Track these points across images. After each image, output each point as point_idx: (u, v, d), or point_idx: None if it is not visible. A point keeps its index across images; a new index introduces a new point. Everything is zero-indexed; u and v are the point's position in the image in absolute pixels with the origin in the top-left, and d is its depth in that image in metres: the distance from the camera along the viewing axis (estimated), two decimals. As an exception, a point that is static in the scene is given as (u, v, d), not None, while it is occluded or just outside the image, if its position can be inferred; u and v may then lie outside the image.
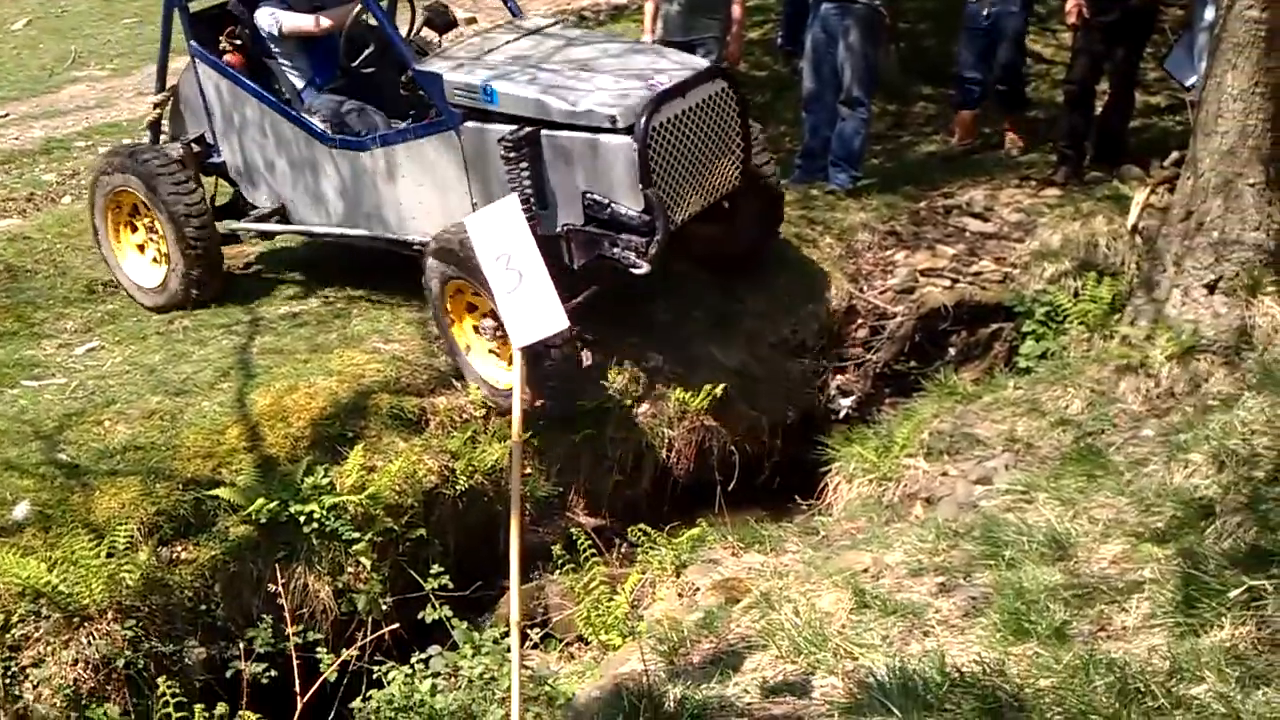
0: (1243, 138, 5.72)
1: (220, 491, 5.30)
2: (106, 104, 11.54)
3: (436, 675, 4.67)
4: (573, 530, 5.08)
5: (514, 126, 5.85)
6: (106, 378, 6.22)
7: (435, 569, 5.24)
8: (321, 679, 3.62)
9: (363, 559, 5.37)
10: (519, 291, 3.12)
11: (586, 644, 4.87)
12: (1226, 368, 5.56)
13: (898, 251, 7.65)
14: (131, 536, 5.01)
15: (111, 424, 5.73)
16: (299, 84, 6.92)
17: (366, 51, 6.78)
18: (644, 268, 5.82)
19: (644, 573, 5.08)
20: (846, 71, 7.82)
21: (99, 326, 6.95)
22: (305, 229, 7.10)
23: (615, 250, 5.86)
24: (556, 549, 4.84)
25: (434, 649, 4.87)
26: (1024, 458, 5.43)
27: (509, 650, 4.49)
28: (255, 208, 7.21)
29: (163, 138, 7.58)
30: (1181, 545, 3.97)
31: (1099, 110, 8.05)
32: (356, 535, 5.35)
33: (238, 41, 7.01)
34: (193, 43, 7.00)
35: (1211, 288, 5.74)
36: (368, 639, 4.95)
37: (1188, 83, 7.08)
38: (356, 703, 4.50)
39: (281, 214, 7.11)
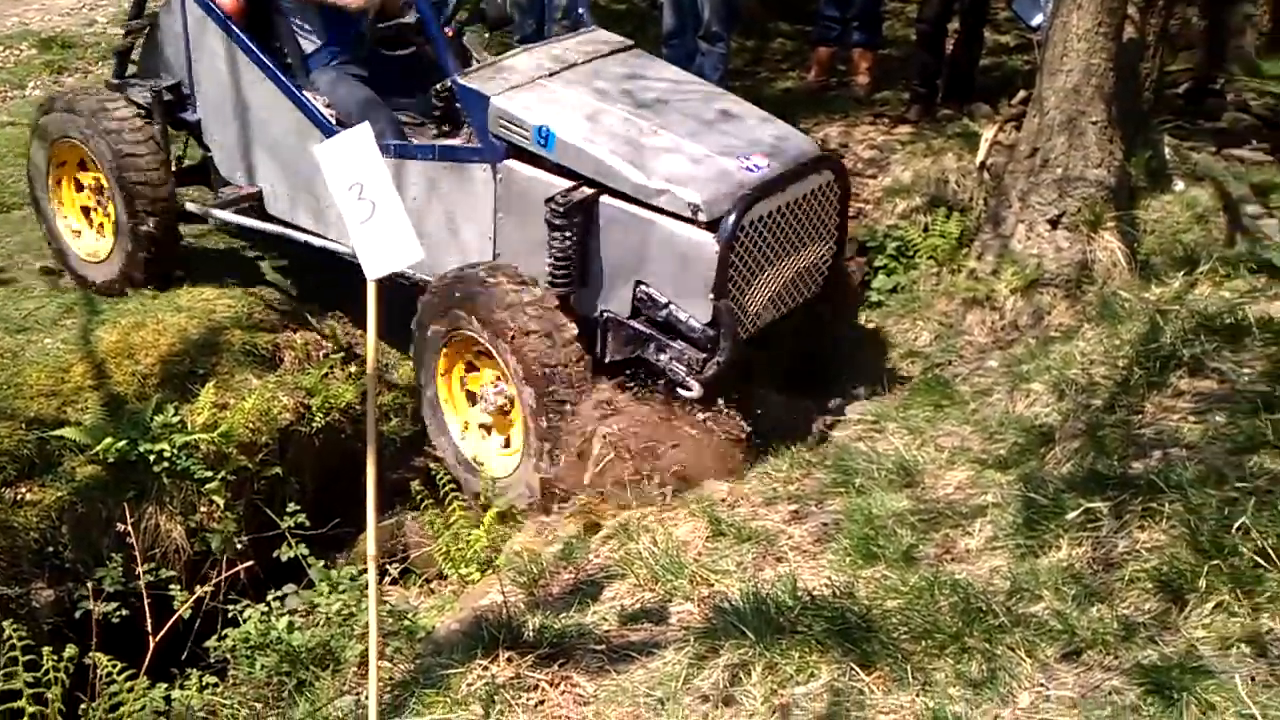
0: (1086, 77, 5.89)
1: (66, 431, 5.14)
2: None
3: (293, 613, 4.63)
4: (432, 466, 5.06)
5: (569, 185, 4.91)
6: (-59, 315, 5.98)
7: (291, 507, 5.17)
8: (175, 617, 3.56)
9: (216, 498, 5.28)
10: (372, 222, 3.07)
11: (445, 579, 4.87)
12: (1068, 300, 5.75)
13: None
14: (-29, 478, 4.85)
15: (-52, 363, 5.52)
16: (307, 48, 5.80)
17: (396, 23, 5.70)
18: (694, 390, 4.78)
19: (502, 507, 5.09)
20: (706, 7, 7.82)
21: (-68, 260, 6.67)
22: (284, 231, 5.96)
23: (662, 358, 4.87)
24: (416, 485, 4.82)
25: (290, 587, 4.83)
26: (875, 388, 5.57)
27: (367, 587, 4.48)
28: (228, 184, 6.14)
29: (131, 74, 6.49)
30: (1022, 471, 4.12)
31: (950, 49, 8.19)
32: (209, 474, 5.25)
33: None
34: None
35: (1055, 223, 5.92)
36: (222, 578, 4.88)
37: (1034, 23, 7.23)
38: (212, 642, 4.44)
39: (257, 202, 6.03)
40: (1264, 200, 6.68)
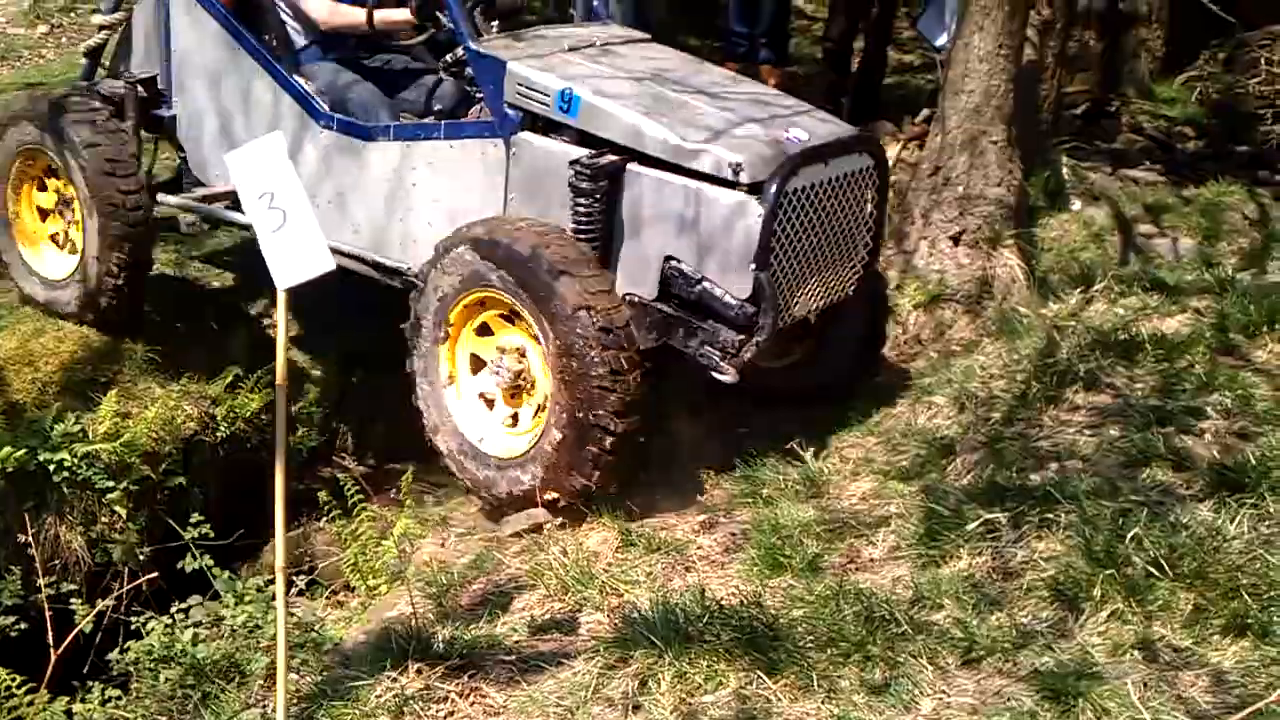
0: (987, 97, 6.03)
1: (-38, 440, 5.03)
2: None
3: (198, 625, 4.56)
4: (340, 476, 5.03)
5: (592, 151, 4.47)
6: None
7: (195, 518, 5.11)
8: (76, 630, 3.51)
9: (118, 508, 5.19)
10: (283, 231, 3.06)
11: (353, 590, 4.84)
12: (968, 316, 5.87)
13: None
14: None
15: None
16: (300, 41, 5.35)
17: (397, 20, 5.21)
18: (730, 375, 4.32)
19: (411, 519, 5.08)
20: (616, 21, 7.85)
21: None
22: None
23: (692, 344, 4.40)
24: (323, 495, 4.79)
25: (195, 598, 4.76)
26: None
27: (274, 598, 4.43)
28: (201, 185, 5.63)
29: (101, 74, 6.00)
30: (925, 482, 4.23)
31: (855, 67, 8.33)
32: (111, 484, 5.16)
33: None
34: None
35: (956, 240, 6.05)
36: (124, 589, 4.80)
37: (938, 42, 7.39)
38: (114, 654, 4.37)
39: (237, 201, 5.06)
40: (1156, 220, 6.89)
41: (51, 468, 5.06)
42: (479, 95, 4.91)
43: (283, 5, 5.34)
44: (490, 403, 4.66)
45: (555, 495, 4.37)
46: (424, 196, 4.90)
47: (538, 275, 4.25)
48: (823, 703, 3.14)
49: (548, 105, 4.56)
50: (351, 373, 6.16)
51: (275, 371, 3.19)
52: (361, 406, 6.20)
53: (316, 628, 4.17)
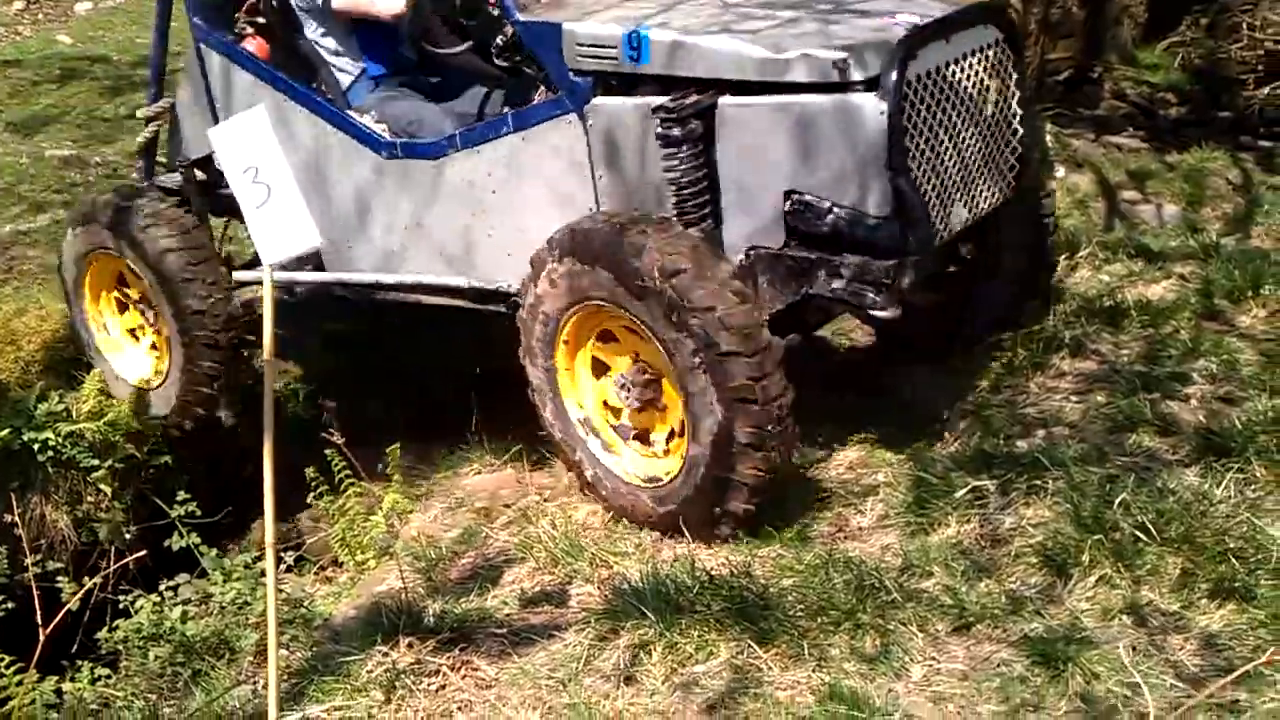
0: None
1: (-54, 420, 5.01)
2: None
3: (187, 602, 4.57)
4: (328, 452, 5.01)
5: (676, 94, 3.87)
6: None
7: (181, 495, 5.10)
8: (65, 609, 3.49)
9: (103, 487, 5.19)
10: (268, 206, 3.04)
11: (341, 566, 4.83)
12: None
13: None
14: None
15: None
16: (345, 81, 4.94)
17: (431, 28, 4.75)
18: (890, 310, 3.71)
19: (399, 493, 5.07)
20: None
21: None
22: (351, 278, 4.88)
23: (838, 286, 3.76)
24: (311, 471, 4.77)
25: (183, 576, 4.76)
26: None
27: (262, 575, 4.43)
28: None
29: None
30: (912, 450, 4.22)
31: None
32: (96, 463, 5.16)
33: (260, 20, 5.02)
34: (196, 20, 5.05)
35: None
36: (111, 568, 4.80)
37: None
38: (103, 633, 4.37)
39: (316, 262, 4.94)
40: (1140, 186, 6.88)
41: (36, 447, 5.06)
42: (540, 79, 4.36)
43: (320, 44, 4.93)
44: (623, 427, 4.12)
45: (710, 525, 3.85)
46: (508, 201, 4.37)
47: (645, 278, 3.68)
48: (814, 671, 3.15)
49: (615, 57, 3.99)
50: (339, 349, 6.12)
51: (264, 348, 3.17)
52: (348, 383, 6.17)
53: (306, 604, 4.17)
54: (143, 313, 5.36)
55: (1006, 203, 4.22)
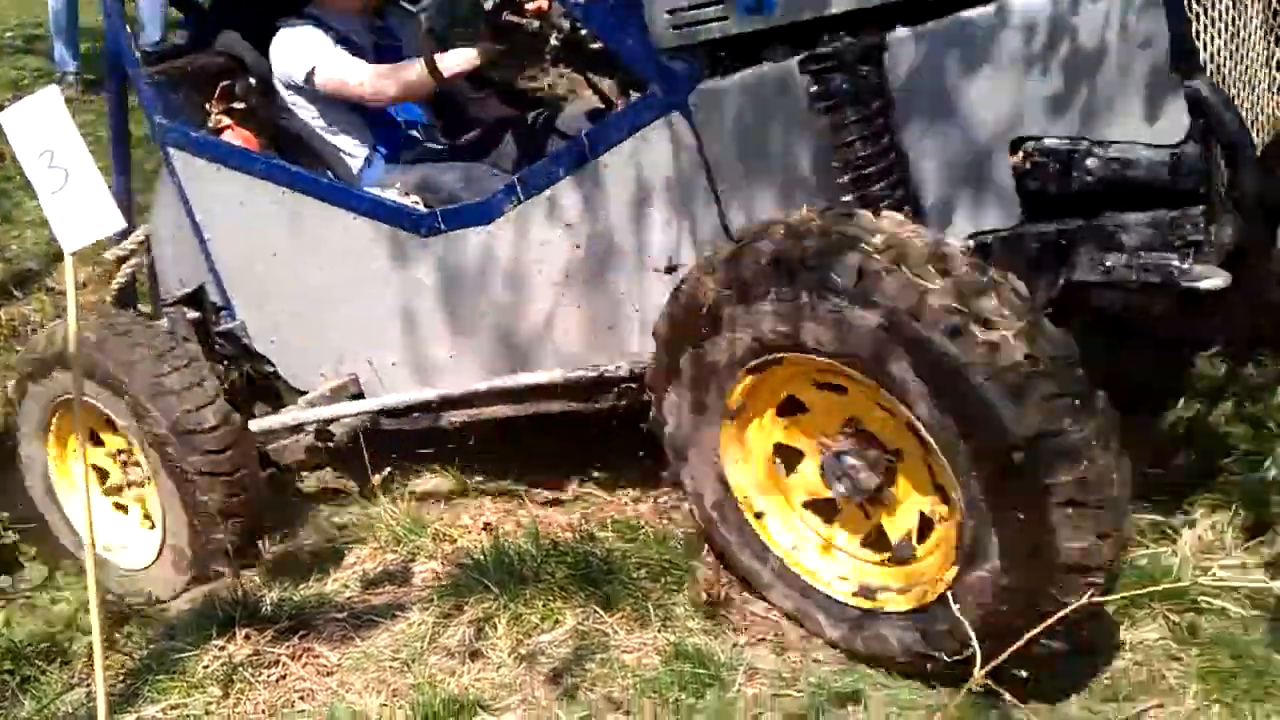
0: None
1: None
2: None
3: (9, 601, 4.39)
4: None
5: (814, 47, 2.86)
6: None
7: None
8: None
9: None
10: (65, 191, 2.89)
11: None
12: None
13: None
14: None
15: None
16: (354, 166, 4.09)
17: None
18: (1218, 277, 2.59)
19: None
20: None
21: None
22: (401, 400, 3.82)
23: (1119, 260, 2.68)
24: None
25: (3, 579, 4.57)
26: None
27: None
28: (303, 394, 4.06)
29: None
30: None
31: None
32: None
33: (239, 105, 4.09)
34: (160, 120, 3.99)
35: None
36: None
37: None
38: (-78, 644, 4.16)
39: (355, 394, 3.99)
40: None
41: None
42: (618, 84, 3.62)
43: (323, 128, 4.10)
44: (829, 524, 3.05)
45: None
46: (602, 253, 3.35)
47: (834, 298, 2.59)
48: (659, 631, 3.17)
49: (726, 16, 2.94)
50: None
51: (69, 341, 3.04)
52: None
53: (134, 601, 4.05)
54: (127, 477, 4.18)
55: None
